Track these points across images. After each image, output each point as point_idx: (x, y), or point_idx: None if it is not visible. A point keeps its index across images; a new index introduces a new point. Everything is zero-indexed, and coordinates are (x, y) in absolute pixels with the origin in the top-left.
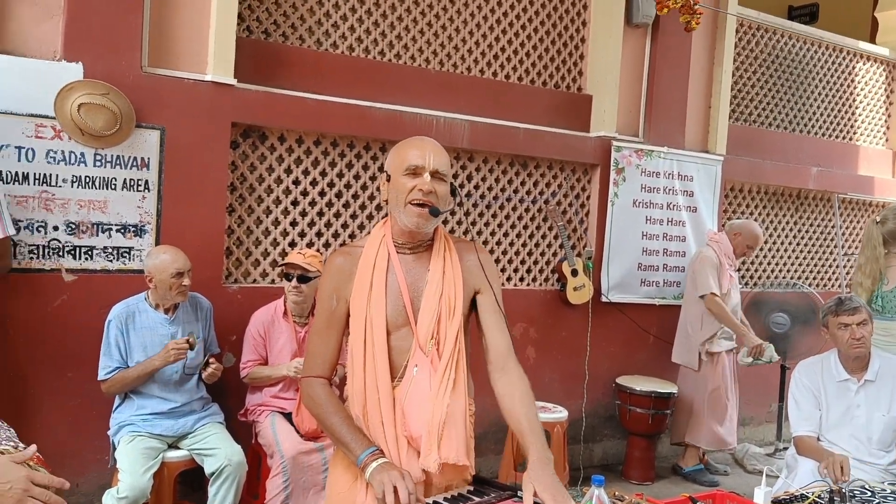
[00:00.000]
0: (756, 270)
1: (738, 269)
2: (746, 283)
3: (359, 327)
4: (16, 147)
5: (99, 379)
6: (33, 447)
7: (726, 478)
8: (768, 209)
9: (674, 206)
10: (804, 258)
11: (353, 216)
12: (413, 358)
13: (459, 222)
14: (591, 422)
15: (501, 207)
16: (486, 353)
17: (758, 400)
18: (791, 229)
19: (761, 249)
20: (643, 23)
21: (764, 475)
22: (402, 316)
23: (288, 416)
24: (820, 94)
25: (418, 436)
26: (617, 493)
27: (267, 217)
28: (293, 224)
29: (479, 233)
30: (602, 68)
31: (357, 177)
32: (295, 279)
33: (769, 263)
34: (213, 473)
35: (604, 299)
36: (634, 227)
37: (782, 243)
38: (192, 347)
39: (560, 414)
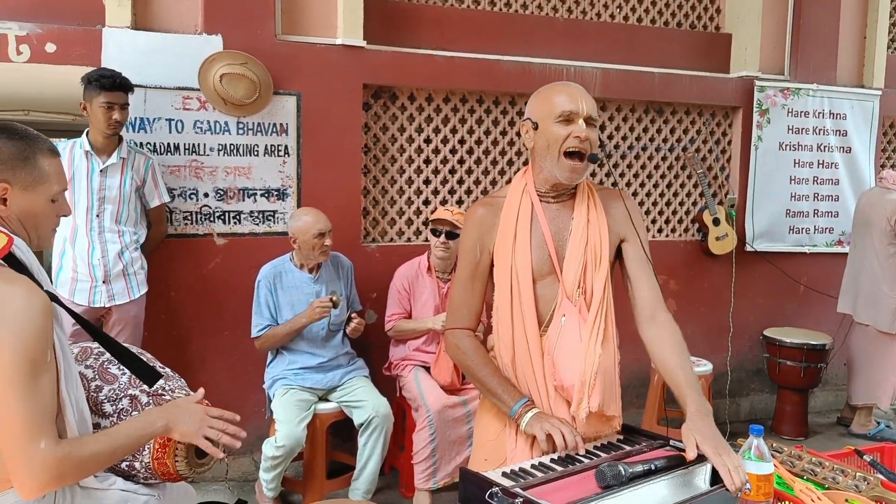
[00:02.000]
0: None
1: None
2: None
3: (504, 277)
4: (166, 119)
5: (252, 336)
6: (201, 391)
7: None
8: None
9: (825, 147)
10: None
11: (485, 172)
12: (560, 307)
13: (593, 174)
14: (737, 375)
15: (637, 157)
16: (633, 303)
17: None
18: None
19: None
20: None
21: None
22: (548, 265)
23: (430, 370)
24: None
25: (570, 385)
26: (775, 444)
27: (401, 176)
28: (426, 182)
29: (615, 184)
30: (742, 4)
31: (487, 132)
32: (443, 235)
33: None
34: (361, 424)
35: (748, 248)
36: (781, 171)
37: None
38: (335, 305)
39: (704, 367)
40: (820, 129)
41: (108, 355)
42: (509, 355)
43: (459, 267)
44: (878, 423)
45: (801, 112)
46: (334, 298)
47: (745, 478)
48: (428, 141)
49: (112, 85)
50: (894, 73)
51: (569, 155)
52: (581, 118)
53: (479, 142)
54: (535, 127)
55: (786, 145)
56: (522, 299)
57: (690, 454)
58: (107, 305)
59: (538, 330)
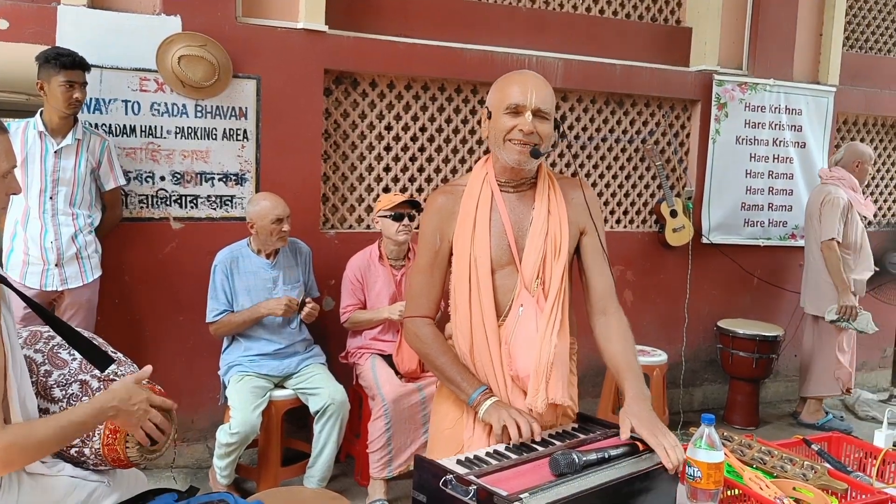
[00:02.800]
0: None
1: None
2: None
3: (463, 266)
4: (122, 101)
5: (207, 321)
6: (148, 368)
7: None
8: (885, 142)
9: (780, 142)
10: None
11: (446, 160)
12: (518, 297)
13: (553, 164)
14: (692, 366)
15: (597, 147)
16: (586, 295)
17: (871, 344)
18: None
19: (878, 186)
20: None
21: (886, 417)
22: (507, 255)
23: (387, 358)
24: None
25: (525, 375)
26: (726, 433)
27: (361, 163)
28: (386, 170)
29: (574, 174)
30: None
31: (449, 120)
32: (406, 217)
33: (885, 200)
34: (317, 412)
35: (704, 241)
36: (737, 165)
37: None
38: (300, 311)
39: (659, 357)
40: (776, 124)
41: (58, 339)
42: (467, 344)
43: (419, 255)
44: (827, 412)
45: (758, 107)
46: (308, 305)
47: (681, 456)
48: (389, 128)
49: (72, 63)
50: (849, 71)
51: (514, 143)
52: (528, 111)
53: (440, 130)
54: (490, 115)
55: (743, 139)
56: (481, 289)
57: (624, 435)
58: (59, 289)
59: (496, 319)
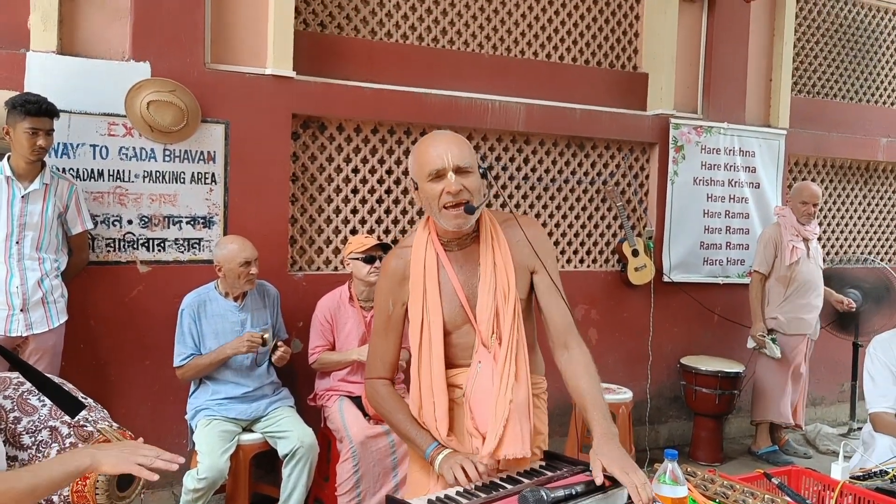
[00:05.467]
0: (824, 246)
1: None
2: None
3: (415, 331)
4: (91, 145)
5: (174, 365)
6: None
7: (802, 460)
8: (835, 183)
9: (736, 182)
10: (875, 233)
11: (412, 202)
12: (476, 353)
13: (518, 205)
14: (657, 403)
15: (559, 189)
16: (547, 331)
17: (829, 379)
18: (861, 203)
19: (830, 225)
20: None
21: (841, 450)
22: (461, 315)
23: (356, 400)
24: (887, 61)
25: (484, 431)
26: (689, 468)
27: (328, 206)
28: (353, 212)
29: (538, 215)
30: (658, 45)
31: None
32: (378, 259)
33: (837, 239)
34: (286, 455)
35: (666, 279)
36: (695, 205)
37: (851, 218)
38: (264, 344)
39: (624, 395)
40: (731, 166)
41: (27, 386)
42: (416, 405)
43: (375, 317)
44: (773, 444)
45: (714, 149)
46: (265, 336)
47: (651, 494)
48: (356, 171)
49: (38, 111)
50: (798, 114)
51: (447, 207)
52: (450, 171)
53: (406, 172)
54: (416, 186)
55: (700, 180)
56: (433, 353)
57: (598, 479)
58: (24, 335)
59: (444, 382)
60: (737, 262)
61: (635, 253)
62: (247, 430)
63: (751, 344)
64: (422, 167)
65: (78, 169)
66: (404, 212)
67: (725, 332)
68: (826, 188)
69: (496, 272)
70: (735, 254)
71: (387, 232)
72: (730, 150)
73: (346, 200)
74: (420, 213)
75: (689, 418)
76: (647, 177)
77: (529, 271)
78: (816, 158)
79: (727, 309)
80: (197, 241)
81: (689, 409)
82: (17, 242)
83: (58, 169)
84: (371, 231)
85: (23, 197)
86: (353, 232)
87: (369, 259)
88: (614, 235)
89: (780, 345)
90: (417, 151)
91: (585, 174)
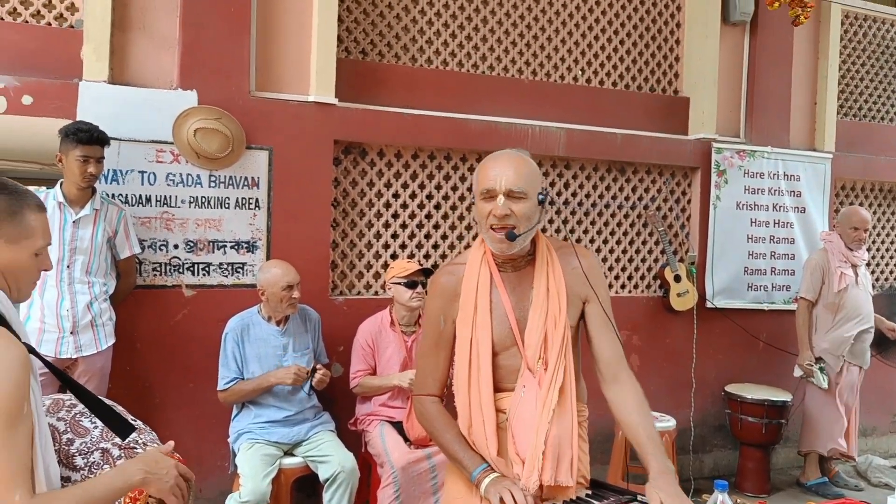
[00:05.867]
0: (873, 272)
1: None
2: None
3: (464, 349)
4: (139, 172)
5: (218, 389)
6: (171, 443)
7: (854, 493)
8: (884, 207)
9: (780, 207)
10: None
11: (452, 227)
12: (521, 377)
13: (558, 230)
14: (700, 431)
15: (600, 214)
16: (596, 363)
17: (880, 409)
18: None
19: (878, 250)
20: (741, 20)
21: None
22: (510, 337)
23: (396, 425)
24: None
25: (524, 457)
26: (738, 500)
27: (369, 230)
28: (394, 237)
29: (579, 240)
30: (699, 69)
31: (454, 188)
32: (420, 285)
33: (887, 264)
34: (327, 480)
35: (709, 305)
36: (739, 230)
37: None
38: (311, 377)
39: (668, 423)
40: (775, 190)
41: (80, 407)
42: (466, 426)
43: (424, 335)
44: (823, 475)
45: (757, 173)
46: (319, 372)
47: None
48: (396, 196)
49: (89, 139)
50: (844, 138)
51: (492, 229)
52: (500, 194)
53: (446, 197)
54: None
55: (743, 205)
56: (481, 373)
57: None
58: (73, 357)
59: (493, 404)
60: (782, 288)
61: (677, 278)
62: (288, 453)
63: (798, 372)
64: (478, 183)
65: (127, 195)
66: (444, 237)
67: (771, 360)
68: (874, 212)
69: (549, 297)
70: (780, 279)
71: (426, 257)
72: (774, 175)
73: (386, 225)
74: (459, 238)
75: (735, 448)
76: (688, 201)
77: (581, 300)
78: (864, 182)
79: (773, 335)
80: (240, 265)
81: (734, 439)
82: (68, 266)
83: (107, 195)
84: (411, 256)
85: (74, 222)
86: (393, 257)
87: (411, 284)
88: (656, 260)
89: (829, 374)
90: (480, 166)
91: (626, 199)
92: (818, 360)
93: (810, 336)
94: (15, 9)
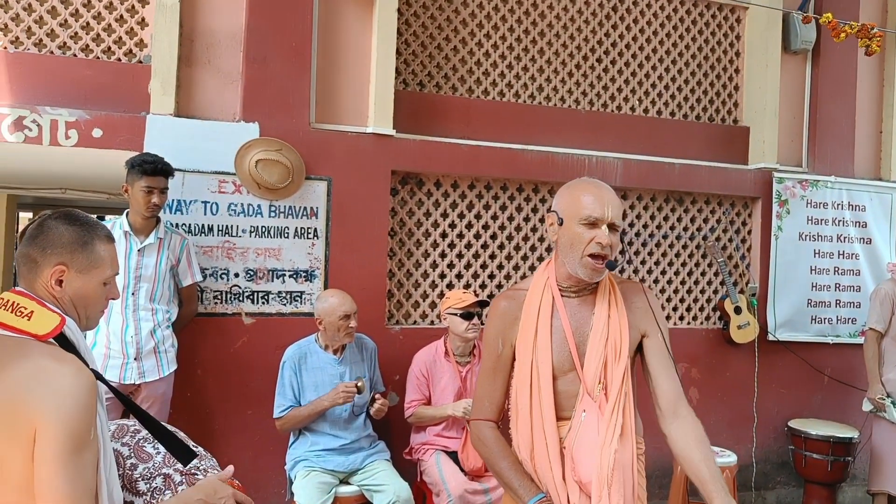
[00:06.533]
0: None
1: None
2: None
3: (524, 372)
4: (202, 202)
5: (274, 416)
6: (230, 468)
7: None
8: None
9: (845, 238)
10: None
11: (508, 257)
12: (581, 402)
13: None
14: (763, 468)
15: (658, 245)
16: (654, 399)
17: None
18: None
19: None
20: (802, 49)
21: None
22: (569, 361)
23: (452, 455)
24: None
25: (588, 481)
26: None
27: (425, 260)
28: (450, 266)
29: (636, 271)
30: (759, 98)
31: (511, 218)
32: (476, 316)
33: None
34: None
35: (771, 338)
36: (802, 261)
37: None
38: (360, 392)
39: (729, 458)
40: (839, 220)
41: (143, 433)
42: (528, 449)
43: (483, 358)
44: None
45: (820, 203)
46: (359, 384)
47: None
48: (452, 226)
49: (154, 170)
50: None
51: (592, 256)
52: (605, 223)
53: (502, 227)
54: (561, 222)
55: (806, 235)
56: (542, 394)
57: None
58: (137, 382)
59: (556, 426)
60: (847, 321)
61: (738, 310)
62: (344, 482)
63: (867, 407)
64: (579, 208)
65: (190, 224)
66: (500, 267)
67: (836, 395)
68: None
69: (609, 325)
70: (846, 312)
71: (482, 287)
72: (838, 205)
73: (443, 255)
74: (516, 268)
75: (799, 485)
76: (749, 232)
77: (640, 333)
78: None
79: (838, 370)
80: (299, 294)
81: (798, 476)
82: (133, 294)
83: (172, 224)
84: (467, 286)
85: (139, 250)
86: (449, 286)
87: (467, 315)
88: (715, 292)
89: None
90: (577, 190)
91: (685, 229)
92: (889, 394)
93: (880, 368)
94: (87, 45)
